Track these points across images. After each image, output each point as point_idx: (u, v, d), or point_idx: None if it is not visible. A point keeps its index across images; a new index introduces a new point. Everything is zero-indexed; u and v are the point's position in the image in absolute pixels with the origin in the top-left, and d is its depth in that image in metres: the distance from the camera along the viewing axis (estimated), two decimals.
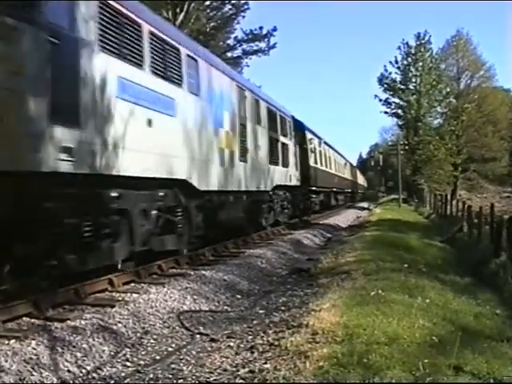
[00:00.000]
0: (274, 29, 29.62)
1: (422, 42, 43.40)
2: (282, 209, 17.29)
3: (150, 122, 7.87)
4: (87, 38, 6.39)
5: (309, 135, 22.63)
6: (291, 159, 18.13)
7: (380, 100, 44.20)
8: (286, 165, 17.16)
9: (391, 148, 44.62)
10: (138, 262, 8.04)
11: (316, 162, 23.66)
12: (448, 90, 45.19)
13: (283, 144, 17.03)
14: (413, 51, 43.39)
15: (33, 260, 5.65)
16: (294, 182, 18.58)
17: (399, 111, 44.45)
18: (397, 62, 43.98)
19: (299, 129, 20.73)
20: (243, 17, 29.24)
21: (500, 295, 7.39)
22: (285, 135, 17.39)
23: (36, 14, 5.47)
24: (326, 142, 28.16)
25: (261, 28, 29.46)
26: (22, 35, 5.31)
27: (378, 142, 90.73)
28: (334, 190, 30.76)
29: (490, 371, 3.82)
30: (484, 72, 53.61)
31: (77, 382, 4.48)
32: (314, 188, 22.54)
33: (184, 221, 9.43)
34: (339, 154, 34.66)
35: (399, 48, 44.07)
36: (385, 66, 44.38)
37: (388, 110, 44.70)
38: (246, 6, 28.73)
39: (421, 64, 42.90)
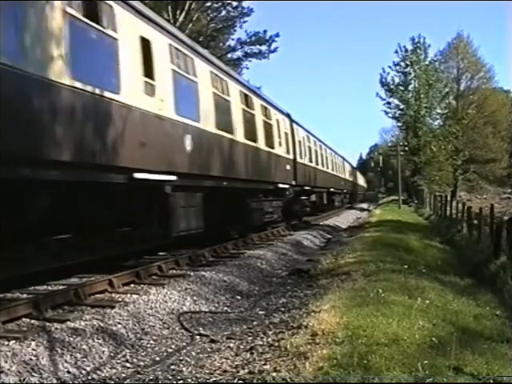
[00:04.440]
0: (277, 34, 29.94)
1: (418, 44, 43.51)
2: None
3: None
4: None
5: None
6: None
7: (382, 99, 44.38)
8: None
9: (391, 149, 44.57)
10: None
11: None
12: (447, 89, 45.17)
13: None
14: (409, 54, 43.47)
15: None
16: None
17: (399, 112, 44.49)
18: (395, 65, 44.12)
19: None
20: (244, 21, 29.42)
21: (500, 296, 7.36)
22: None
23: None
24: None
25: (265, 31, 29.70)
26: None
27: (378, 142, 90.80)
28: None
29: (490, 372, 3.82)
30: (484, 73, 53.66)
31: (76, 382, 4.48)
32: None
33: None
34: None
35: (396, 52, 44.22)
36: (383, 68, 44.57)
37: (388, 110, 44.82)
38: (249, 11, 28.96)
39: (418, 66, 42.95)
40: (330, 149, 32.67)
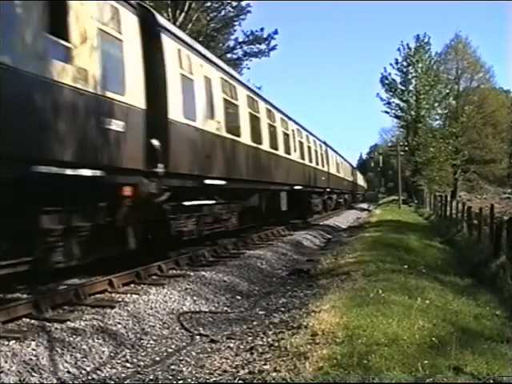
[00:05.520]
0: (275, 32, 29.80)
1: (422, 43, 43.49)
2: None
3: None
4: None
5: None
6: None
7: (382, 99, 44.39)
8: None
9: (391, 149, 44.60)
10: None
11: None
12: (447, 90, 45.20)
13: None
14: (412, 53, 43.46)
15: None
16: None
17: (399, 112, 44.54)
18: (397, 63, 44.11)
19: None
20: (243, 19, 29.38)
21: (500, 296, 7.37)
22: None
23: None
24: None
25: (262, 30, 29.59)
26: None
27: (378, 142, 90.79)
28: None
29: (490, 372, 3.82)
30: (483, 74, 53.70)
31: (76, 382, 4.48)
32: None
33: None
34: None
35: (399, 50, 44.21)
36: (385, 67, 44.55)
37: (388, 110, 44.86)
38: (247, 9, 28.88)
39: (420, 65, 42.95)
40: (300, 126, 21.72)
